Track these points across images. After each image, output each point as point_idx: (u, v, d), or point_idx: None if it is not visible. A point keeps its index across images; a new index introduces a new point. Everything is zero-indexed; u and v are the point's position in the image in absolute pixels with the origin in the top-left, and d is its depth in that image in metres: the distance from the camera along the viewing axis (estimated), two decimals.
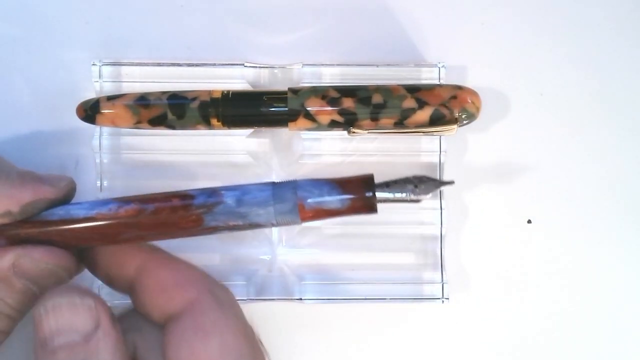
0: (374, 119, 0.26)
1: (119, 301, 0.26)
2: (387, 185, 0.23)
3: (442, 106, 0.26)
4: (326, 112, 0.26)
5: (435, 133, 0.27)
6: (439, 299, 0.28)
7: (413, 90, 0.26)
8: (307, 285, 0.29)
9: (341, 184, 0.22)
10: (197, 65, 0.28)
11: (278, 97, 0.26)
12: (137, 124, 0.26)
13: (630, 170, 0.30)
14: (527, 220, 0.30)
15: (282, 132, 0.29)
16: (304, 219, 0.22)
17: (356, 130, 0.26)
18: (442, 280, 0.28)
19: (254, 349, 0.22)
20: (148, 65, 0.28)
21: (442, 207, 0.28)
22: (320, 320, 0.29)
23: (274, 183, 0.23)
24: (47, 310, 0.20)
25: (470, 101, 0.26)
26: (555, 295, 0.29)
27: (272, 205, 0.22)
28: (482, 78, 0.29)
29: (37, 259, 0.22)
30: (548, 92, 0.30)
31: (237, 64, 0.28)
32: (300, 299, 0.28)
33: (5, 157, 0.23)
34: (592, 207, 0.30)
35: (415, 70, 0.29)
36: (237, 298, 0.24)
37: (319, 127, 0.27)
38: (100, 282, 0.27)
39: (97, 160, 0.28)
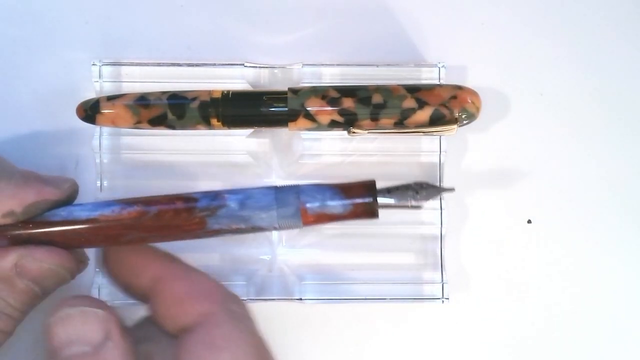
0: (374, 119, 0.26)
1: (120, 301, 0.26)
2: (389, 191, 0.23)
3: (442, 106, 0.26)
4: (326, 112, 0.26)
5: (435, 133, 0.27)
6: (439, 299, 0.28)
7: (413, 90, 0.26)
8: (307, 285, 0.29)
9: (343, 189, 0.23)
10: (197, 65, 0.28)
11: (278, 97, 0.26)
12: (137, 124, 0.26)
13: (630, 170, 0.30)
14: (527, 220, 0.30)
15: (282, 132, 0.29)
16: (306, 223, 0.23)
17: (356, 130, 0.26)
18: (442, 280, 0.28)
19: None
20: (148, 65, 0.28)
21: (442, 207, 0.28)
22: (320, 320, 0.29)
23: (276, 187, 0.23)
24: (58, 321, 0.20)
25: (470, 101, 0.26)
26: (555, 295, 0.29)
27: (275, 209, 0.22)
28: (482, 78, 0.29)
29: (40, 260, 0.22)
30: (548, 92, 0.30)
31: (237, 64, 0.28)
32: (300, 299, 0.28)
33: (5, 157, 0.23)
34: (592, 207, 0.30)
35: (415, 70, 0.29)
36: None
37: (319, 127, 0.27)
38: (100, 282, 0.27)
39: (97, 160, 0.28)
